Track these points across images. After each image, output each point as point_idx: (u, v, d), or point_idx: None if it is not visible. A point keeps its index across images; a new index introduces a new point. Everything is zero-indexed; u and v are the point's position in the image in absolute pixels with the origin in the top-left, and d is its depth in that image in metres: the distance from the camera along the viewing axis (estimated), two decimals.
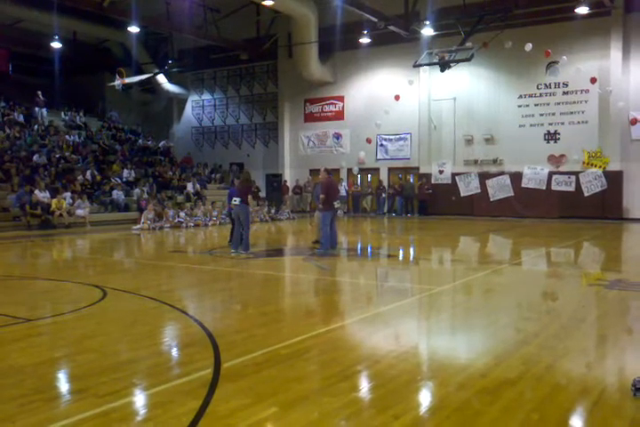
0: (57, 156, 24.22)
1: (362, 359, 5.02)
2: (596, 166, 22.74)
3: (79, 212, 20.45)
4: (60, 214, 19.72)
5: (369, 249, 14.72)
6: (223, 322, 6.54)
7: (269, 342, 5.41)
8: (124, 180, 24.62)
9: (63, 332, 6.09)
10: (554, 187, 23.47)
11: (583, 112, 22.97)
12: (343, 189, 27.26)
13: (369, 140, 27.18)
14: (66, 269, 11.17)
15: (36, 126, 26.69)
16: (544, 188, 23.63)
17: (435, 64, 21.17)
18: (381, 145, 27.25)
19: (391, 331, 6.15)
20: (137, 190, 23.46)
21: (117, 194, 22.75)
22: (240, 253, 12.42)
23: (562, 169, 23.42)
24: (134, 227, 19.78)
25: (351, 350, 5.37)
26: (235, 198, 12.48)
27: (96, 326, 6.20)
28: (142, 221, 20.02)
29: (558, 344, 5.48)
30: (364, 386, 4.48)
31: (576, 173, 23.04)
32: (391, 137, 26.93)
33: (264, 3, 20.99)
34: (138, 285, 8.78)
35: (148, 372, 4.74)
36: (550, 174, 23.53)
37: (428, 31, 22.87)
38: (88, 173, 23.73)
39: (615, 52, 22.19)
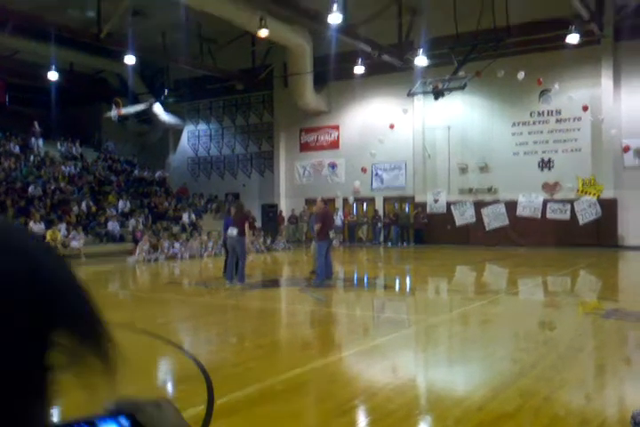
0: (52, 187, 24.21)
1: (359, 393, 4.96)
2: (590, 194, 22.81)
3: (74, 243, 20.37)
4: (55, 246, 19.62)
5: (365, 279, 14.66)
6: (217, 356, 6.47)
7: (264, 376, 5.34)
8: (120, 211, 24.58)
9: None
10: (549, 215, 23.50)
11: (576, 140, 23.14)
12: (339, 218, 27.26)
13: (364, 170, 27.30)
14: None
15: (31, 157, 26.75)
16: (539, 216, 23.66)
17: (428, 93, 21.38)
18: (376, 174, 27.34)
19: (388, 363, 6.09)
20: (132, 221, 23.41)
21: (113, 225, 22.68)
22: (235, 284, 12.37)
23: (556, 197, 23.48)
24: (129, 258, 19.69)
25: (348, 383, 5.30)
26: (232, 229, 12.45)
27: None
28: (137, 252, 19.95)
29: (555, 375, 5.42)
30: (362, 421, 4.42)
31: (570, 201, 23.10)
32: (386, 166, 27.05)
33: (259, 33, 21.23)
34: (132, 318, 8.70)
35: None
36: (545, 202, 23.59)
37: (421, 60, 23.09)
38: (83, 204, 23.71)
39: (606, 80, 22.44)
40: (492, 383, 5.25)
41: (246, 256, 12.96)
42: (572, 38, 20.81)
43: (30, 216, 20.44)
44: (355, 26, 22.11)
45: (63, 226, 20.93)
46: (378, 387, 5.11)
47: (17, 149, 27.03)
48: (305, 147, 29.51)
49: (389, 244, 26.48)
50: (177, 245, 21.19)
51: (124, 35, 23.44)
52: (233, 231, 12.35)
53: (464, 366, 6.09)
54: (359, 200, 27.86)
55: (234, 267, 12.69)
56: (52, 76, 27.11)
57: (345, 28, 20.92)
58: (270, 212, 29.58)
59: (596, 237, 22.38)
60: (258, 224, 27.53)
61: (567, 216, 23.11)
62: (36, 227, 19.87)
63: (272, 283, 13.74)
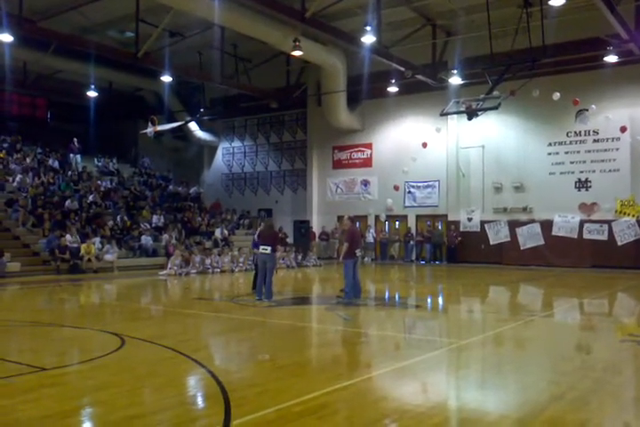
0: (88, 201, 24.61)
1: (379, 417, 4.83)
2: (629, 215, 22.30)
3: (107, 257, 20.63)
4: (89, 259, 19.89)
5: (396, 298, 14.48)
6: (238, 375, 6.39)
7: (283, 397, 5.24)
8: (153, 225, 24.84)
9: (76, 382, 6.01)
10: (585, 235, 23.02)
11: (614, 160, 22.68)
12: (371, 235, 27.14)
13: (397, 188, 27.17)
14: (89, 316, 11.16)
15: (69, 172, 27.26)
16: (575, 236, 23.19)
17: (462, 113, 21.18)
18: (409, 192, 27.17)
19: (412, 388, 5.94)
20: (165, 236, 23.61)
21: (146, 239, 22.92)
22: (263, 300, 12.34)
23: (593, 217, 22.99)
24: (161, 272, 19.85)
25: (368, 407, 5.16)
26: (265, 247, 12.50)
27: (109, 376, 6.10)
28: (169, 266, 20.09)
29: (592, 400, 5.23)
30: None
31: (608, 222, 22.60)
32: (419, 184, 26.88)
33: (293, 53, 21.38)
34: (157, 333, 8.70)
35: None
36: (582, 223, 23.12)
37: (455, 80, 23.03)
38: (118, 218, 24.04)
39: None
40: (525, 407, 5.10)
41: (274, 272, 12.97)
42: (610, 58, 20.50)
43: (66, 229, 20.77)
44: (388, 46, 22.13)
45: (98, 239, 21.24)
46: (400, 411, 4.98)
47: (56, 164, 27.59)
48: (337, 164, 29.53)
49: (422, 262, 26.24)
50: (207, 260, 21.26)
51: (161, 54, 23.87)
52: (266, 249, 12.44)
53: (496, 389, 5.92)
54: (392, 217, 27.70)
55: (263, 283, 12.70)
56: (92, 94, 27.80)
57: (378, 49, 20.95)
58: (302, 228, 29.57)
59: (635, 258, 21.86)
60: (289, 240, 27.56)
61: (605, 237, 22.60)
62: (71, 240, 20.17)
63: (300, 300, 13.66)
